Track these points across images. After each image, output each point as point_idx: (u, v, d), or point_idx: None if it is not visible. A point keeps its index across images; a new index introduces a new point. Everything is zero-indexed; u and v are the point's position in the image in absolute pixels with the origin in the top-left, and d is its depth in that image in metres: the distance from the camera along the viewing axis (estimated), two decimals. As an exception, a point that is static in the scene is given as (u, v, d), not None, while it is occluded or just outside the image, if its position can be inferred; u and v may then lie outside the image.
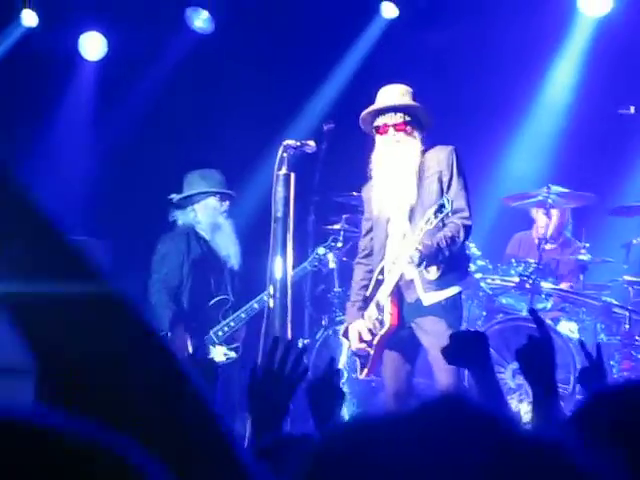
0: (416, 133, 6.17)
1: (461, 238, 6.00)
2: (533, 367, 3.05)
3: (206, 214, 7.46)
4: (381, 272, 6.15)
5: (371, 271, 6.27)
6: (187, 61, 9.51)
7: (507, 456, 0.93)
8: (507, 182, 9.20)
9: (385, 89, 6.29)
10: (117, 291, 1.09)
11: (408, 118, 6.14)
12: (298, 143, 6.38)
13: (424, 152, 6.16)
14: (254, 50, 9.36)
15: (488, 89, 9.19)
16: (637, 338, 7.52)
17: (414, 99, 6.22)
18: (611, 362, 7.43)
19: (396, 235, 6.12)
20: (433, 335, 5.98)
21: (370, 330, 6.17)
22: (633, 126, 8.28)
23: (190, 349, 7.20)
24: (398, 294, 6.11)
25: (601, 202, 7.94)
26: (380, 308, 6.12)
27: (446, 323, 5.99)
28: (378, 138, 6.22)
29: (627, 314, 7.51)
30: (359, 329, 6.19)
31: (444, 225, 6.01)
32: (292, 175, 6.26)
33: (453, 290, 6.10)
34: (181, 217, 7.51)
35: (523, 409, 6.66)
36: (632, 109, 7.68)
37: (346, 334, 6.37)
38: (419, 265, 5.88)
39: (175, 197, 7.48)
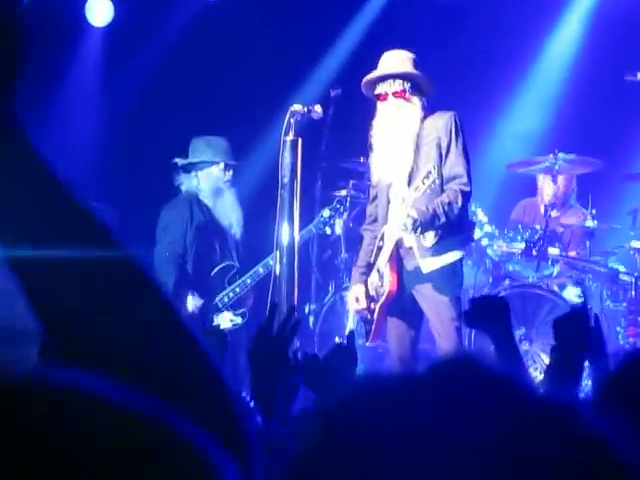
0: (416, 100, 6.15)
1: (459, 204, 5.97)
2: (565, 338, 3.06)
3: (209, 182, 7.46)
4: (382, 238, 6.16)
5: (376, 237, 6.28)
6: (194, 27, 9.47)
7: (521, 418, 0.92)
8: (513, 147, 9.19)
9: (386, 56, 6.26)
10: (129, 255, 1.10)
11: (407, 85, 6.12)
12: (305, 109, 6.37)
13: (424, 118, 6.14)
14: (260, 16, 9.32)
15: (494, 52, 9.17)
16: (643, 305, 7.53)
17: (415, 65, 6.19)
18: (617, 328, 7.45)
19: (397, 201, 6.12)
20: (432, 302, 6.02)
21: (372, 297, 6.19)
22: (640, 93, 8.26)
23: (196, 312, 7.21)
24: (398, 261, 6.12)
25: (608, 168, 7.92)
26: (380, 274, 6.14)
27: (445, 290, 6.01)
28: (379, 105, 6.21)
29: (633, 281, 7.51)
30: (357, 293, 6.22)
31: (443, 191, 6.01)
32: (299, 141, 6.26)
33: (452, 256, 6.09)
34: (185, 182, 7.50)
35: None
36: (639, 75, 7.66)
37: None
38: (415, 231, 5.88)
39: (179, 161, 7.47)
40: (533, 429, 0.91)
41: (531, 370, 6.83)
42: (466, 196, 6.04)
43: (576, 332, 3.07)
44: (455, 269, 6.12)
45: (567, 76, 9.43)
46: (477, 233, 7.65)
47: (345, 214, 7.87)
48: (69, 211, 1.08)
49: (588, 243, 7.84)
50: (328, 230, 7.76)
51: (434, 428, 0.91)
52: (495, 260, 7.74)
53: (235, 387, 1.11)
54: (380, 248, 6.16)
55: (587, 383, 6.67)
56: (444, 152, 6.05)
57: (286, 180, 6.30)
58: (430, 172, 5.84)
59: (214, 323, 7.35)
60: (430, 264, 6.03)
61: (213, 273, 7.40)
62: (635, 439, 0.94)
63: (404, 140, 6.09)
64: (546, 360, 7.23)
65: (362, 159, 7.51)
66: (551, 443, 0.91)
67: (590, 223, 7.68)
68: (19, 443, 0.80)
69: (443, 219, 5.90)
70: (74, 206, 1.08)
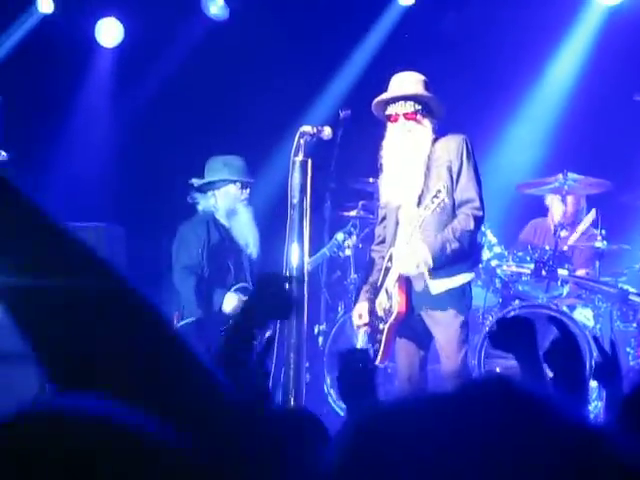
0: (427, 122, 6.15)
1: (471, 229, 5.98)
2: (560, 368, 3.05)
3: (226, 201, 7.47)
4: (390, 259, 6.16)
5: (383, 258, 6.29)
6: (203, 47, 9.52)
7: (555, 443, 0.92)
8: (522, 167, 9.20)
9: (397, 77, 6.27)
10: (123, 283, 1.11)
11: (419, 107, 6.13)
12: (314, 130, 6.38)
13: (435, 140, 6.15)
14: (269, 37, 9.35)
15: (503, 74, 9.19)
16: (653, 325, 7.52)
17: (427, 87, 6.20)
18: (627, 349, 7.43)
19: (406, 223, 6.13)
20: (440, 323, 6.02)
21: (380, 317, 6.18)
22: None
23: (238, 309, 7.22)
24: (407, 282, 6.11)
25: (617, 189, 7.93)
26: (389, 295, 6.14)
27: (453, 312, 6.01)
28: (389, 126, 6.22)
29: (643, 301, 7.50)
30: (360, 310, 6.22)
31: (454, 213, 6.03)
32: (309, 161, 6.26)
33: (462, 279, 6.09)
34: (202, 202, 7.51)
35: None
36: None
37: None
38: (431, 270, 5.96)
39: (196, 182, 7.49)
40: (567, 455, 0.92)
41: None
42: (478, 220, 6.04)
43: (569, 361, 3.06)
44: (464, 291, 6.12)
45: (576, 97, 9.43)
46: (486, 254, 7.65)
47: (355, 235, 7.88)
48: (56, 241, 1.10)
49: (597, 264, 7.83)
50: (341, 254, 7.78)
51: (464, 451, 0.92)
52: (505, 280, 7.74)
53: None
54: (388, 269, 6.16)
55: (597, 404, 6.67)
56: (455, 176, 6.05)
57: (296, 201, 6.30)
58: (440, 191, 5.85)
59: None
60: (439, 286, 6.03)
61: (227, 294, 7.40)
62: None
63: (414, 162, 6.09)
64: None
65: (371, 180, 7.52)
66: (586, 469, 0.91)
67: (600, 244, 7.68)
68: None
69: (455, 245, 5.91)
70: (61, 236, 1.10)
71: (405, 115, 6.13)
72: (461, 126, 6.34)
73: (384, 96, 6.22)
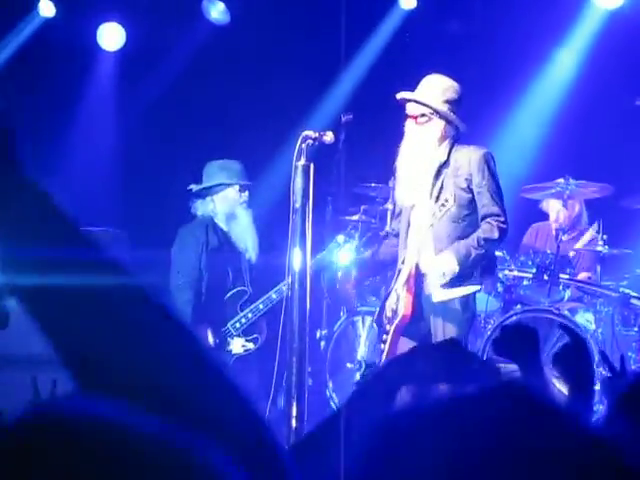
0: (438, 127, 6.16)
1: (495, 238, 6.02)
2: (570, 371, 3.05)
3: (224, 205, 7.48)
4: (402, 262, 6.19)
5: (393, 247, 6.33)
6: (204, 52, 9.52)
7: (568, 446, 0.93)
8: (522, 172, 9.19)
9: (426, 78, 6.29)
10: (137, 282, 1.12)
11: (430, 110, 6.15)
12: (316, 134, 6.38)
13: (454, 148, 6.16)
14: (271, 41, 9.36)
15: (503, 77, 9.19)
16: (655, 329, 7.53)
17: (449, 95, 6.19)
18: (629, 353, 7.44)
19: (416, 225, 6.15)
20: (440, 331, 6.04)
21: (389, 318, 6.20)
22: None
23: (211, 341, 7.23)
24: (417, 285, 6.13)
25: (618, 193, 7.93)
26: (397, 297, 6.15)
27: (454, 322, 6.02)
28: (406, 124, 6.27)
29: (645, 305, 7.51)
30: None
31: (463, 220, 6.04)
32: (311, 166, 6.26)
33: (465, 290, 6.11)
34: (201, 207, 7.53)
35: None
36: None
37: (378, 320, 6.40)
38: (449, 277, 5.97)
39: (194, 188, 7.51)
40: (586, 461, 0.93)
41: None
42: (503, 233, 6.06)
43: (577, 366, 3.06)
44: (468, 302, 6.13)
45: (576, 100, 9.43)
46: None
47: (357, 239, 7.88)
48: (71, 241, 1.10)
49: (599, 268, 7.84)
50: (341, 256, 7.76)
51: (483, 450, 0.93)
52: (506, 285, 7.74)
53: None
54: (399, 271, 6.19)
55: (599, 407, 6.67)
56: (476, 190, 6.07)
57: (298, 205, 6.28)
58: (447, 200, 5.88)
59: (226, 348, 7.36)
60: (441, 294, 6.05)
61: (226, 298, 7.41)
62: None
63: (423, 165, 6.13)
64: (557, 384, 7.23)
65: (373, 184, 7.52)
66: (606, 476, 0.93)
67: (601, 248, 7.68)
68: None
69: (479, 252, 5.95)
70: (75, 234, 1.10)
71: (414, 117, 6.17)
72: (468, 133, 6.34)
73: (398, 95, 6.26)
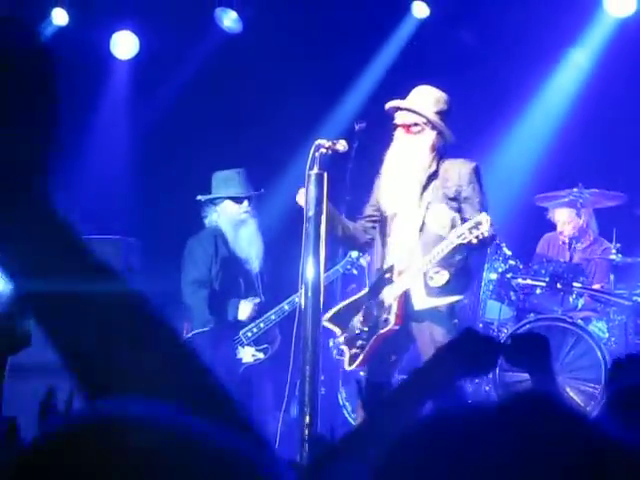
0: (428, 137, 6.19)
1: (487, 233, 6.01)
2: (525, 360, 3.11)
3: (226, 216, 7.53)
4: (390, 271, 6.17)
5: (365, 230, 6.36)
6: (218, 59, 9.54)
7: (597, 458, 0.93)
8: (536, 180, 9.19)
9: (416, 88, 6.32)
10: (134, 292, 1.13)
11: (421, 120, 6.17)
12: (330, 142, 6.37)
13: (443, 160, 6.18)
14: (284, 49, 9.37)
15: (514, 86, 9.19)
16: (668, 339, 7.51)
17: (440, 106, 6.22)
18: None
19: (401, 234, 6.16)
20: (427, 341, 6.02)
21: (369, 325, 6.20)
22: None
23: (255, 313, 7.29)
24: (406, 295, 6.14)
25: (632, 202, 7.92)
26: (385, 308, 6.15)
27: (442, 330, 6.02)
28: (395, 133, 6.29)
29: (658, 314, 7.49)
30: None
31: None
32: (325, 174, 6.26)
33: (451, 299, 6.12)
34: (209, 217, 7.59)
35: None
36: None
37: (335, 320, 6.40)
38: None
39: (201, 198, 7.57)
40: (610, 470, 0.93)
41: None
42: (488, 241, 6.04)
43: (532, 355, 3.11)
44: (454, 311, 6.15)
45: (587, 109, 9.42)
46: (501, 267, 7.65)
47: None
48: (71, 249, 1.11)
49: (612, 276, 7.83)
50: (355, 271, 7.77)
51: (506, 460, 0.93)
52: (520, 293, 7.74)
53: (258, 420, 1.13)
54: (388, 280, 6.17)
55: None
56: (464, 202, 6.10)
57: (311, 214, 6.28)
58: (435, 209, 5.94)
59: (237, 356, 7.36)
60: (427, 302, 6.06)
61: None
62: None
63: (409, 174, 6.16)
64: (570, 393, 7.22)
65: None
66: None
67: (614, 257, 7.67)
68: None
69: (463, 264, 5.97)
70: (76, 244, 1.11)
71: (404, 126, 6.19)
72: (471, 138, 6.35)
73: (387, 104, 6.29)
